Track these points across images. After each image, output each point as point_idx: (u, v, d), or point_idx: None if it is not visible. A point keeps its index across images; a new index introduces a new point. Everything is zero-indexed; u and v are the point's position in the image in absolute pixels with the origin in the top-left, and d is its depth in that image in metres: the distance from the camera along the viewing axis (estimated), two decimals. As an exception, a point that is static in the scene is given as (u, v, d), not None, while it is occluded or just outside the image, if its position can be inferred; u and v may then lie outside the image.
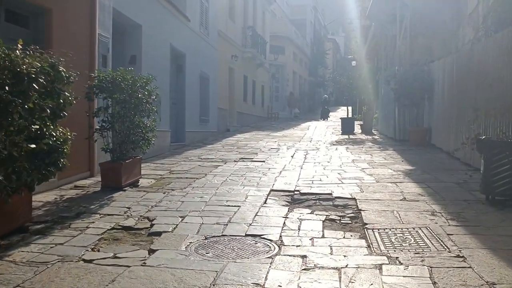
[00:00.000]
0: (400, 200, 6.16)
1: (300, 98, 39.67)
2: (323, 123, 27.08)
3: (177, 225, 4.97)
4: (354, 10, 36.49)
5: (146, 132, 7.29)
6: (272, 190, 6.98)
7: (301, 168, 9.38)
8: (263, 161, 10.38)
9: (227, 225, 4.99)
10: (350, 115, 25.22)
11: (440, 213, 5.42)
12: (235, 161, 10.43)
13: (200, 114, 15.47)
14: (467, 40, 11.51)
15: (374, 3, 16.79)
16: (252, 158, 10.87)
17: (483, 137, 5.96)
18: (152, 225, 4.96)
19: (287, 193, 6.78)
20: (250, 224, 5.02)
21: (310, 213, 5.58)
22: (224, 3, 19.29)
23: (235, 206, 5.85)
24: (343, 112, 27.25)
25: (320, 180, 7.86)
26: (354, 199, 6.27)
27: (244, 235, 4.65)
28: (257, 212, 5.55)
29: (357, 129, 20.74)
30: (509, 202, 5.71)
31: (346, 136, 17.86)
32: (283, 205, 6.10)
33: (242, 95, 23.08)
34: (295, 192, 6.82)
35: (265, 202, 6.17)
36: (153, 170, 8.85)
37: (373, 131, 19.72)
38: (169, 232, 4.72)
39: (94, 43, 7.76)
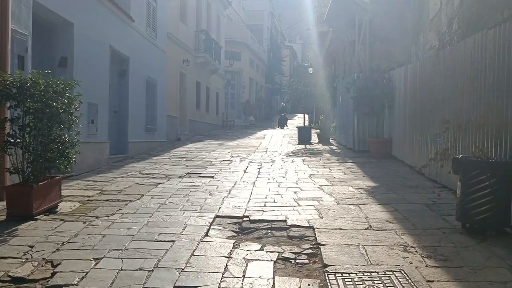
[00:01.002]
0: (366, 229, 5.25)
1: (256, 105, 38.81)
2: (280, 131, 26.26)
3: (87, 273, 3.84)
4: (311, 17, 36.05)
5: (66, 147, 6.08)
6: (217, 216, 5.94)
7: (254, 185, 8.38)
8: (212, 177, 9.32)
9: (152, 271, 3.91)
10: (307, 124, 24.58)
11: (413, 247, 4.53)
12: (180, 177, 9.32)
13: (146, 122, 14.24)
14: (429, 46, 10.87)
15: (332, 7, 16.09)
16: (200, 173, 9.79)
17: (460, 156, 5.12)
18: (53, 274, 3.81)
19: (234, 220, 5.76)
20: (183, 270, 3.96)
21: (260, 250, 4.57)
22: (175, 4, 18.15)
23: (168, 241, 4.77)
24: (300, 119, 26.63)
25: (274, 201, 6.88)
26: (312, 228, 5.31)
27: (171, 288, 3.60)
28: (195, 250, 4.49)
29: (314, 138, 19.99)
30: (490, 232, 4.90)
31: (303, 146, 17.04)
32: (228, 238, 5.07)
33: (195, 102, 21.91)
34: (244, 219, 5.81)
35: (206, 234, 5.12)
36: (81, 190, 7.62)
37: (330, 140, 19.01)
38: (72, 286, 3.60)
39: (5, 41, 6.50)
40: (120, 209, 6.24)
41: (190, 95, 20.84)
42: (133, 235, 4.98)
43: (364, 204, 6.57)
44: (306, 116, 22.95)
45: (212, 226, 5.45)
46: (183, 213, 6.03)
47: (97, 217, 5.77)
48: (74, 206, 6.43)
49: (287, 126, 29.88)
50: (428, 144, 8.63)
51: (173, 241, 4.76)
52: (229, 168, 10.65)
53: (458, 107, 6.93)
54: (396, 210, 6.12)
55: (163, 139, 16.28)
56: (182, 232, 5.13)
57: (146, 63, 14.13)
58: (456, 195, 6.49)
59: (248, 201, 6.87)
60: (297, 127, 20.65)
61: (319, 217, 5.80)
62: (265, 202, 6.83)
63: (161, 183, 8.45)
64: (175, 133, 18.32)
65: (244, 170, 10.32)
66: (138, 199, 6.96)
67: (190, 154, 13.79)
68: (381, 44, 14.08)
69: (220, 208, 6.39)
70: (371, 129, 13.37)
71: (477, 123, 6.05)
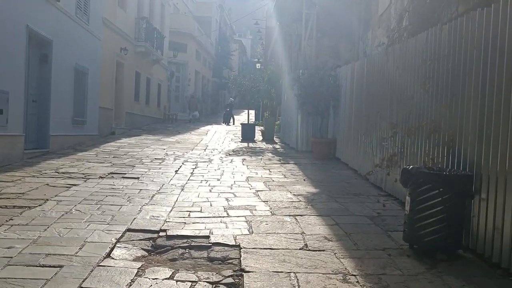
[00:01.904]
0: (301, 249, 4.47)
1: (202, 100, 37.70)
2: (225, 127, 25.37)
3: None
4: (260, 10, 35.34)
5: None
6: (129, 229, 4.99)
7: (182, 189, 7.46)
8: (137, 178, 8.32)
9: (16, 315, 2.94)
10: (252, 121, 23.85)
11: (354, 275, 3.79)
12: (101, 177, 8.26)
13: (73, 114, 12.94)
14: (377, 43, 10.32)
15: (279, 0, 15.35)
16: (125, 173, 8.76)
17: (410, 167, 4.44)
18: None
19: (148, 235, 4.84)
20: (58, 312, 3.02)
21: (169, 278, 3.69)
22: (112, -13, 16.83)
23: (54, 266, 3.79)
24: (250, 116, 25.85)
25: (201, 210, 6.00)
26: (239, 247, 4.48)
27: None
28: (85, 280, 3.54)
29: (259, 135, 19.27)
30: (440, 255, 4.24)
31: (246, 144, 16.24)
32: (136, 259, 4.15)
33: (133, 93, 20.61)
34: (160, 234, 4.89)
35: (108, 255, 4.17)
36: (-28, 193, 6.44)
37: (275, 138, 18.33)
38: None
39: None
40: (11, 219, 5.16)
41: (128, 86, 19.54)
42: (11, 257, 3.95)
43: (301, 215, 5.81)
44: (252, 112, 22.23)
45: (118, 244, 4.50)
46: (88, 225, 5.04)
47: (-24, 231, 4.69)
48: (-46, 214, 5.28)
49: (232, 122, 29.00)
50: (374, 148, 8.02)
51: (61, 266, 3.79)
52: (160, 168, 9.67)
53: (407, 109, 6.30)
54: (337, 224, 5.40)
55: (94, 132, 15.00)
56: (77, 252, 4.16)
57: (75, 49, 12.83)
58: (402, 206, 5.91)
59: (171, 210, 5.95)
60: (240, 124, 19.84)
61: (248, 232, 4.97)
62: (190, 211, 5.93)
63: (75, 185, 7.37)
64: (109, 126, 17.03)
65: (176, 171, 9.37)
66: (39, 205, 5.89)
67: (121, 150, 12.66)
68: (328, 40, 13.49)
69: (135, 219, 5.43)
70: (315, 129, 12.74)
71: (429, 128, 5.41)
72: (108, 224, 5.14)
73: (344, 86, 11.03)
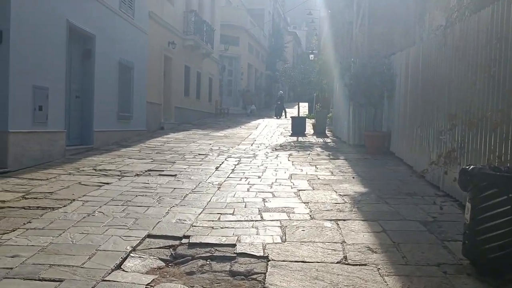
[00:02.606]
0: (338, 262, 3.83)
1: (256, 93, 37.26)
2: (276, 121, 24.80)
3: None
4: (314, 0, 34.41)
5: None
6: (149, 235, 4.54)
7: (219, 188, 6.98)
8: (174, 175, 7.93)
9: None
10: (306, 113, 23.12)
11: (400, 300, 3.12)
12: (137, 174, 7.94)
13: (118, 109, 12.80)
14: (435, 27, 9.35)
15: (329, -14, 14.53)
16: (163, 170, 8.40)
17: (471, 167, 3.67)
18: None
19: (169, 242, 4.36)
20: None
21: (181, 298, 3.19)
22: (159, -19, 16.63)
23: (55, 280, 3.38)
24: (302, 108, 25.13)
25: (233, 212, 5.46)
26: (267, 258, 3.91)
27: None
28: (83, 298, 3.11)
29: (310, 129, 18.54)
30: (510, 276, 3.47)
31: (295, 138, 15.59)
32: (148, 272, 3.68)
33: (183, 88, 20.43)
34: (183, 241, 4.40)
35: (119, 266, 3.73)
36: (1, 192, 6.23)
37: (326, 132, 17.54)
38: None
39: None
40: (29, 222, 4.85)
41: (177, 80, 19.37)
42: (12, 268, 3.58)
43: (344, 219, 5.15)
44: (305, 105, 21.51)
45: (133, 253, 4.05)
46: (106, 230, 4.63)
47: (-12, 235, 4.39)
48: (-26, 216, 5.05)
49: (284, 115, 28.36)
50: (431, 142, 7.18)
51: (60, 281, 3.37)
52: (200, 164, 9.25)
53: (468, 98, 5.46)
54: (384, 231, 4.70)
55: (142, 128, 14.86)
56: (84, 263, 3.74)
57: (120, 44, 12.65)
58: (463, 209, 5.11)
59: (201, 212, 5.46)
60: (291, 117, 19.19)
61: (280, 241, 4.39)
62: (221, 213, 5.41)
63: (107, 183, 7.05)
64: (157, 121, 16.90)
65: (217, 168, 8.91)
66: (63, 206, 5.58)
67: (166, 145, 12.39)
68: (381, 26, 12.54)
69: (159, 222, 4.98)
70: (368, 122, 11.91)
71: (494, 119, 4.58)
72: (128, 228, 4.71)
73: (398, 75, 10.16)
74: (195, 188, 6.93)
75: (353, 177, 8.03)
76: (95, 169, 8.34)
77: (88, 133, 11.02)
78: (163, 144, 12.73)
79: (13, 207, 5.45)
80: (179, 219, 5.12)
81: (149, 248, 4.20)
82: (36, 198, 5.97)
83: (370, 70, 11.13)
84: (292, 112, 31.19)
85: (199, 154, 10.85)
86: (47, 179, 7.28)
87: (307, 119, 19.61)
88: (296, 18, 66.80)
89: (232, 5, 34.27)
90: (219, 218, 5.20)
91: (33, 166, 8.27)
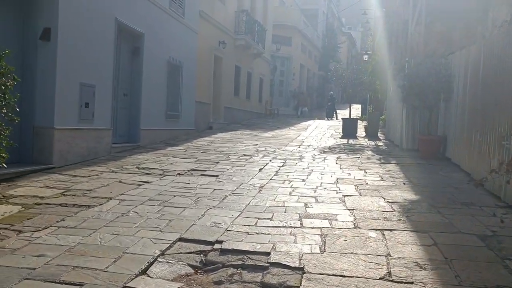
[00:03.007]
0: (381, 279, 3.46)
1: (308, 94, 36.75)
2: (326, 122, 24.28)
3: None
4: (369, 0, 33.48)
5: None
6: (180, 239, 4.33)
7: (260, 190, 6.70)
8: (216, 176, 7.73)
9: None
10: (358, 115, 22.46)
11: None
12: (179, 174, 7.80)
13: (166, 108, 12.80)
14: (500, 24, 8.67)
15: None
16: (206, 170, 8.23)
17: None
18: None
19: (201, 247, 4.13)
20: None
21: (203, 312, 2.93)
22: (210, -20, 16.58)
23: (75, 284, 3.23)
24: (355, 110, 24.50)
25: (272, 217, 5.17)
26: (302, 270, 3.59)
27: None
28: (100, 306, 2.91)
29: (362, 131, 17.94)
30: None
31: (345, 141, 15.07)
32: (174, 279, 3.47)
33: (233, 88, 20.32)
34: (215, 246, 4.16)
35: (144, 272, 3.54)
36: (42, 188, 6.23)
37: (379, 135, 16.88)
38: None
39: None
40: (62, 220, 4.77)
41: (227, 80, 19.29)
42: (34, 268, 3.46)
43: (391, 229, 4.74)
44: (358, 106, 20.88)
45: (161, 257, 3.84)
46: (137, 232, 4.46)
47: (19, 232, 4.32)
48: (10, 211, 5.02)
49: (335, 117, 27.77)
50: (491, 148, 6.59)
51: (81, 285, 3.20)
52: (244, 165, 9.01)
53: (536, 100, 4.90)
54: (435, 245, 4.25)
55: (190, 127, 14.84)
56: (109, 266, 3.56)
57: (168, 42, 12.65)
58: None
59: (238, 216, 5.21)
60: (342, 119, 18.65)
61: (319, 251, 4.05)
62: (259, 218, 5.13)
63: (147, 182, 6.95)
64: (206, 121, 16.85)
65: (260, 169, 8.64)
66: (99, 204, 5.48)
67: (212, 145, 12.25)
68: (439, 25, 11.83)
69: (192, 225, 4.77)
70: (422, 125, 11.27)
71: None
72: (160, 231, 4.52)
73: (456, 75, 9.51)
74: (235, 189, 6.69)
75: (404, 183, 7.53)
76: (138, 167, 8.28)
77: (135, 131, 11.05)
78: (209, 143, 12.61)
79: (50, 204, 5.41)
80: (214, 223, 4.89)
81: (178, 253, 3.99)
82: (74, 195, 5.92)
83: (425, 70, 10.49)
84: (344, 113, 30.57)
85: (244, 154, 10.63)
86: (89, 176, 7.27)
87: (359, 121, 19.00)
88: (351, 19, 65.71)
89: (285, 5, 33.98)
90: (256, 223, 4.92)
91: (78, 162, 8.31)
